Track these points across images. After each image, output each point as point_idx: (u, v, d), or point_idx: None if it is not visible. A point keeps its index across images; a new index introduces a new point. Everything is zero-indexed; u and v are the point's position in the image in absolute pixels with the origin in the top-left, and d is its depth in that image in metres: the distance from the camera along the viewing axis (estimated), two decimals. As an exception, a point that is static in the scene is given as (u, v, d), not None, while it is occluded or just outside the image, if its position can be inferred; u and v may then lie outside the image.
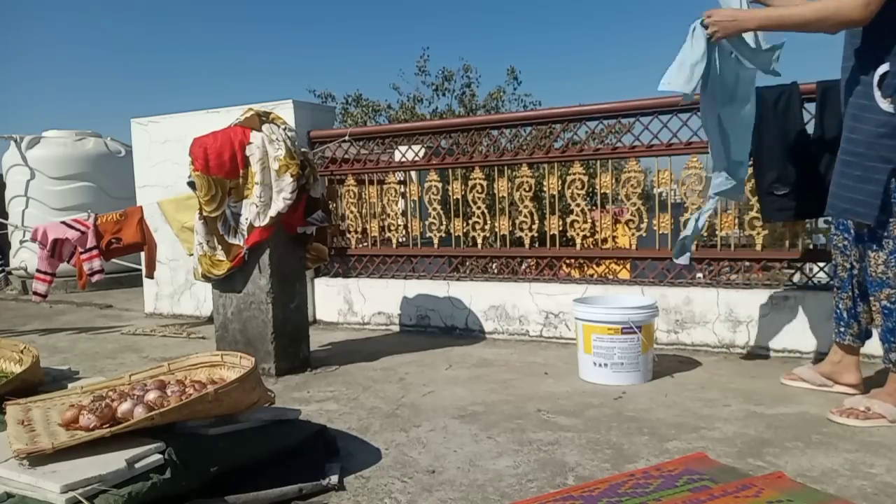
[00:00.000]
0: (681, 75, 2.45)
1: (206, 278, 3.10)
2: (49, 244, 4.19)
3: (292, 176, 2.92)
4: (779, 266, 3.39)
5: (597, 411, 2.43)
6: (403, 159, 4.18)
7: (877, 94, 2.06)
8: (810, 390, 2.59)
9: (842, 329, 2.50)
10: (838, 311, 2.50)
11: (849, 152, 2.14)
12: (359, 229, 4.35)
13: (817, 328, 3.07)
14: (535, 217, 3.78)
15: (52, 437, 1.69)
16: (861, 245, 2.23)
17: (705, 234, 3.56)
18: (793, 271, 3.46)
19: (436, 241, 4.16)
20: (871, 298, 2.24)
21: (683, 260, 2.94)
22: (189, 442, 1.72)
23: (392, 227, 4.27)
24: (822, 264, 3.28)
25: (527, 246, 3.82)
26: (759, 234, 3.27)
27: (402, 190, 4.31)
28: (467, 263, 4.23)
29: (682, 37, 2.46)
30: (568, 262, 3.84)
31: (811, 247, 3.30)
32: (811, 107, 3.02)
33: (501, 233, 3.91)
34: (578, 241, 3.70)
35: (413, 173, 4.27)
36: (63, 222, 4.29)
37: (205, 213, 2.99)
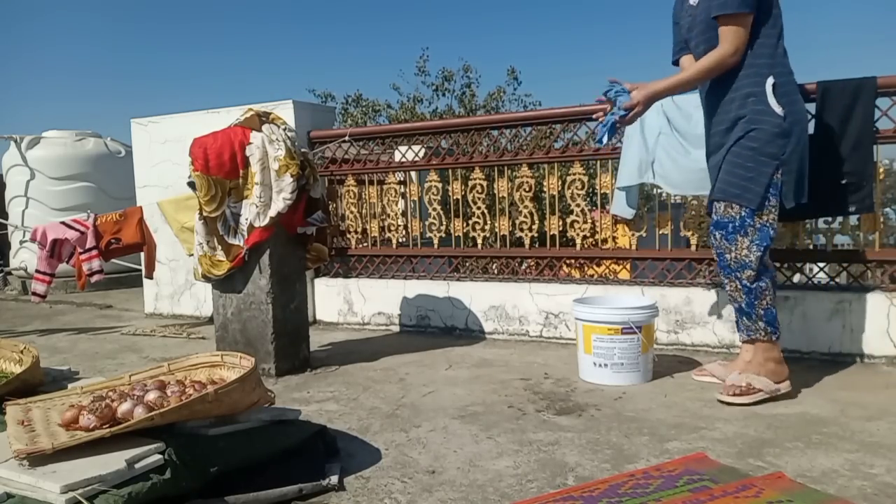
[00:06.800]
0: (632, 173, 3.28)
1: (206, 279, 3.10)
2: (48, 244, 4.18)
3: (292, 176, 2.92)
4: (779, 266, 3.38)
5: (597, 411, 2.43)
6: (403, 159, 4.18)
7: (772, 101, 2.41)
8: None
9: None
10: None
11: (746, 147, 2.43)
12: (359, 229, 4.35)
13: (817, 328, 3.07)
14: (535, 217, 3.78)
15: (52, 438, 1.69)
16: (722, 231, 2.48)
17: (706, 236, 3.55)
18: (792, 272, 3.45)
19: (436, 241, 4.16)
20: (729, 277, 2.52)
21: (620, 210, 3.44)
22: (189, 442, 1.72)
23: (392, 228, 4.27)
24: (822, 264, 3.28)
25: (527, 246, 3.82)
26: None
27: (402, 190, 4.31)
28: (467, 264, 4.23)
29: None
30: (568, 262, 3.84)
31: (811, 247, 3.30)
32: (811, 107, 3.02)
33: (501, 233, 3.90)
34: (578, 241, 3.70)
35: (413, 173, 4.27)
36: (62, 222, 4.28)
37: (205, 214, 2.99)
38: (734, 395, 2.45)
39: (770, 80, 2.41)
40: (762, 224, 2.43)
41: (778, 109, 2.40)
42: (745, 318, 2.55)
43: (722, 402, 2.44)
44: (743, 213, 2.43)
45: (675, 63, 2.77)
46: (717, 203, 2.50)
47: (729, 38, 2.42)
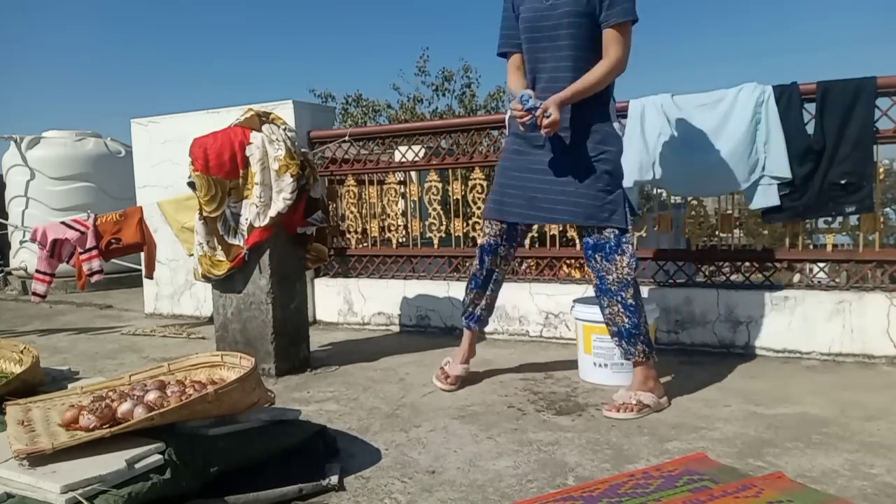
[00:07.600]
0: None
1: (206, 279, 3.10)
2: (48, 244, 4.18)
3: (292, 176, 2.92)
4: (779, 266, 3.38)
5: (597, 411, 2.42)
6: (403, 159, 4.18)
7: (615, 122, 2.52)
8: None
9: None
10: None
11: (602, 170, 2.46)
12: (359, 229, 4.35)
13: (817, 328, 3.07)
14: (535, 217, 3.77)
15: (52, 438, 1.69)
16: (601, 253, 2.48)
17: (706, 236, 3.55)
18: (792, 272, 3.46)
19: (436, 241, 4.15)
20: (611, 300, 2.49)
21: None
22: (189, 442, 1.72)
23: (392, 228, 4.27)
24: (822, 264, 3.28)
25: (527, 246, 3.81)
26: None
27: (402, 190, 4.31)
28: (467, 264, 4.23)
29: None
30: (568, 262, 3.84)
31: (811, 247, 3.30)
32: (811, 107, 3.03)
33: (501, 233, 3.89)
34: (578, 241, 3.70)
35: (413, 173, 4.27)
36: (62, 222, 4.28)
37: (205, 214, 2.99)
38: (624, 411, 2.37)
39: (612, 102, 2.51)
40: (628, 239, 2.48)
41: (619, 130, 2.51)
42: (624, 342, 2.49)
43: (609, 417, 2.36)
44: (616, 233, 2.45)
45: (502, 55, 2.65)
46: (589, 228, 2.49)
47: (622, 45, 2.41)
